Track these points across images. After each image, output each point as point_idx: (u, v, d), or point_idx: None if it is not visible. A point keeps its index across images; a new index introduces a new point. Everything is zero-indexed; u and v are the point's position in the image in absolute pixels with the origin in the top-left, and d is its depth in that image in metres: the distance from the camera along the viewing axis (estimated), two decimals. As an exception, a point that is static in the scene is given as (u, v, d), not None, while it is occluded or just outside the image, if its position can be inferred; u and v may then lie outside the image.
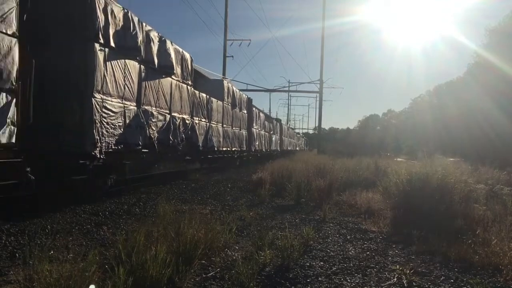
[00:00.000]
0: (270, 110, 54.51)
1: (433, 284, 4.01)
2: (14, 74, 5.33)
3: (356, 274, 4.19)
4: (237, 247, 5.01)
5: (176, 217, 5.01)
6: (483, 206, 7.58)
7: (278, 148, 37.51)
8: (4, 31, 5.15)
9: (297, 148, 59.91)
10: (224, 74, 29.13)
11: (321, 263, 4.54)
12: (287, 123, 67.97)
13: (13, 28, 5.32)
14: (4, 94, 5.16)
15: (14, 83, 5.34)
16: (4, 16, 5.15)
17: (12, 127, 5.34)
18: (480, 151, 26.56)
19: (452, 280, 4.13)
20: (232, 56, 33.87)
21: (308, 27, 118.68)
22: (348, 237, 5.91)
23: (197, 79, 13.90)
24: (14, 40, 5.35)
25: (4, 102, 5.18)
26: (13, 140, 5.37)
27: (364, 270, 4.33)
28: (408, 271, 4.19)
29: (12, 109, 5.29)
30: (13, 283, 3.44)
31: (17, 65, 5.39)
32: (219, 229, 4.88)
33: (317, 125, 46.87)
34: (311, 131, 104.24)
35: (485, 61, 32.10)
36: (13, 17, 5.33)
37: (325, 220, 7.07)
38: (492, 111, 27.65)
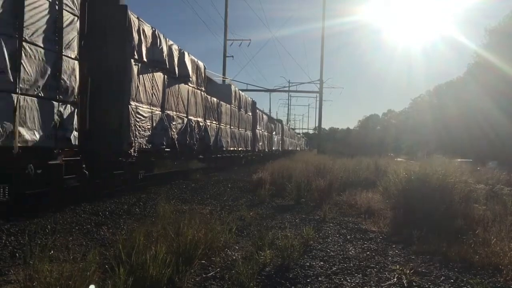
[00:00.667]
0: (270, 110, 54.49)
1: (433, 284, 4.01)
2: (76, 90, 6.66)
3: (356, 274, 4.19)
4: (237, 247, 5.01)
5: (176, 217, 5.02)
6: (483, 206, 7.58)
7: (280, 148, 38.90)
8: (69, 55, 6.49)
9: (297, 148, 61.58)
10: (224, 74, 29.12)
11: (321, 263, 4.54)
12: (287, 123, 68.29)
13: (75, 52, 6.66)
14: (69, 105, 6.51)
15: (76, 97, 6.68)
16: (69, 44, 6.47)
17: (75, 132, 6.62)
18: (480, 151, 26.58)
19: (452, 280, 4.13)
20: (232, 56, 33.84)
21: (308, 27, 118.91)
22: (348, 237, 5.91)
23: (207, 83, 15.01)
24: (76, 62, 6.66)
25: (69, 112, 6.50)
26: (76, 143, 6.65)
27: (364, 270, 4.33)
28: (408, 271, 4.18)
29: (75, 118, 6.64)
30: (13, 283, 3.44)
31: (78, 82, 6.72)
32: (219, 229, 4.88)
33: (317, 125, 46.88)
34: (311, 131, 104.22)
35: (485, 61, 32.11)
36: (75, 44, 6.65)
37: (325, 220, 7.07)
38: (492, 111, 27.66)
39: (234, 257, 4.53)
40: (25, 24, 5.43)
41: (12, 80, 5.21)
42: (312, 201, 8.91)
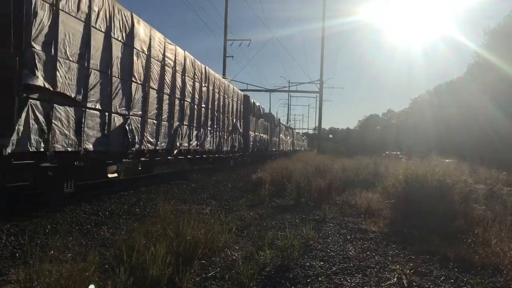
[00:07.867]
0: (270, 110, 54.67)
1: (433, 284, 4.01)
2: (241, 130, 22.04)
3: (356, 274, 4.19)
4: (237, 247, 5.01)
5: (176, 217, 5.01)
6: (483, 206, 7.58)
7: (291, 149, 53.24)
8: (240, 120, 21.72)
9: (302, 148, 74.88)
10: (224, 74, 29.07)
11: (321, 263, 4.54)
12: (287, 123, 69.63)
13: (241, 118, 21.92)
14: (240, 136, 21.82)
15: (240, 133, 21.91)
16: (241, 115, 21.90)
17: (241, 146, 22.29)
18: (480, 151, 26.56)
19: (452, 280, 4.13)
20: (232, 56, 34.12)
21: (308, 27, 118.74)
22: (348, 237, 5.91)
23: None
24: (242, 121, 22.11)
25: (240, 139, 21.91)
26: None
27: (364, 270, 4.33)
28: (408, 271, 4.19)
29: (241, 140, 22.18)
30: (13, 283, 3.44)
31: (242, 128, 22.31)
32: (219, 229, 4.88)
33: (317, 125, 46.97)
34: (311, 131, 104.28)
35: (485, 61, 32.11)
36: (241, 115, 21.94)
37: (325, 220, 7.07)
38: (492, 111, 27.66)
39: (234, 257, 4.52)
40: (235, 112, 20.40)
41: (241, 130, 21.91)
42: (312, 201, 8.90)
